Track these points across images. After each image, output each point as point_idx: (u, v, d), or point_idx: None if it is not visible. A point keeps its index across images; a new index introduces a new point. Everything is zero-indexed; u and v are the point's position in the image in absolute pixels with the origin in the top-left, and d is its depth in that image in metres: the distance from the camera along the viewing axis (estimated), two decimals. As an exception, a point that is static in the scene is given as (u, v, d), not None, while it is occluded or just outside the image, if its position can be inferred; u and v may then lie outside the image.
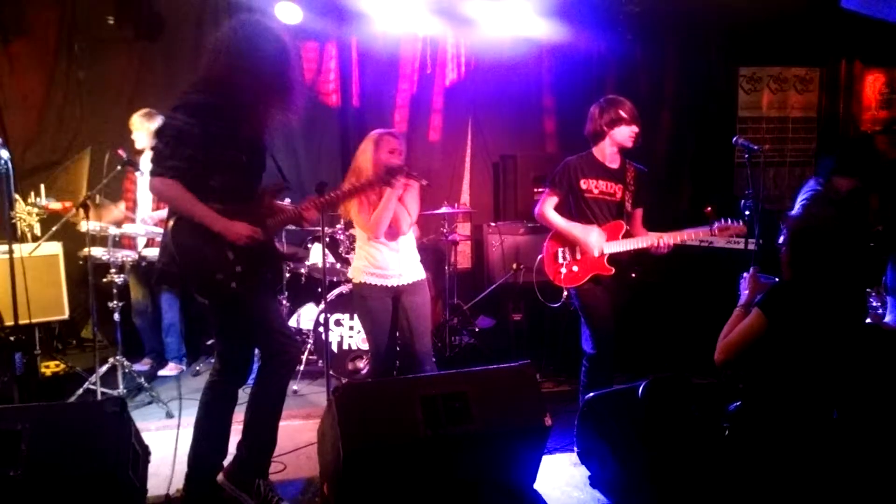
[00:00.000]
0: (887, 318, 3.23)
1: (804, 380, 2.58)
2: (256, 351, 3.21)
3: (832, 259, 2.54)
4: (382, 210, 3.57)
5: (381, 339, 3.77)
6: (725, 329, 2.74)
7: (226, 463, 3.13)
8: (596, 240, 3.73)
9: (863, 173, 4.15)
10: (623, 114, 3.69)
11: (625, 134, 3.71)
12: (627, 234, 3.77)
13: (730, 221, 3.69)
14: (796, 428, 2.62)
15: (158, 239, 4.73)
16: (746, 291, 2.86)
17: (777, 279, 2.91)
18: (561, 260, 3.86)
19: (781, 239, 2.73)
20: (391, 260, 3.71)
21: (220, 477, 3.05)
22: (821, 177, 4.20)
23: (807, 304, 2.53)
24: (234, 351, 3.11)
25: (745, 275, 2.96)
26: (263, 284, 3.06)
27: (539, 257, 4.03)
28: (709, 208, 3.65)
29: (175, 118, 2.75)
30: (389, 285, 3.73)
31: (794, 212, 4.12)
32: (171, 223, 2.82)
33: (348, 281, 4.94)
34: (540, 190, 5.80)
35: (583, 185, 3.79)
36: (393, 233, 3.68)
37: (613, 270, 3.74)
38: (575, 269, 3.79)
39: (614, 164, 3.82)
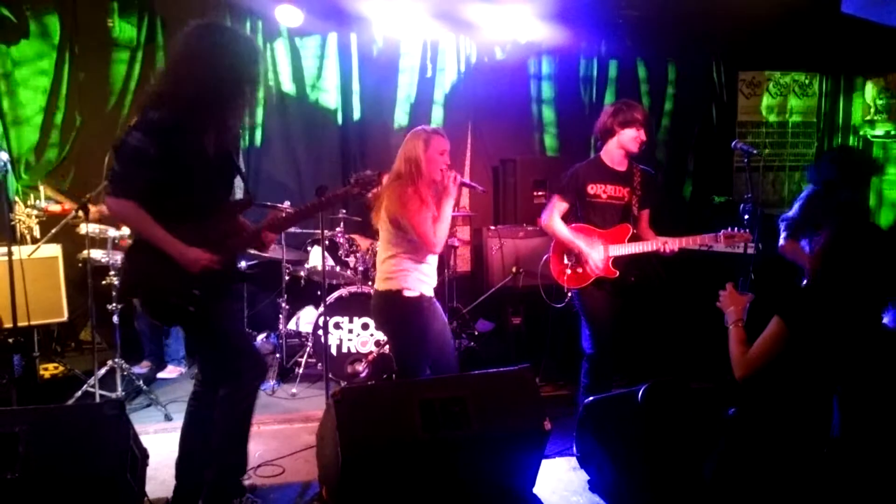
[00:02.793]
0: (885, 320, 3.22)
1: (814, 384, 2.57)
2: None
3: (874, 261, 2.49)
4: (443, 223, 3.32)
5: (427, 357, 3.45)
6: (734, 347, 2.68)
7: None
8: (598, 258, 3.74)
9: (858, 182, 4.18)
10: (637, 116, 3.75)
11: (631, 136, 3.74)
12: (634, 238, 3.79)
13: (736, 230, 3.70)
14: (800, 432, 2.61)
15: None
16: (731, 308, 2.80)
17: (752, 293, 2.89)
18: (566, 261, 3.87)
19: (820, 239, 2.63)
20: (433, 268, 3.52)
21: None
22: (817, 185, 4.20)
23: (829, 309, 2.49)
24: (210, 362, 3.03)
25: (721, 293, 2.88)
26: (226, 300, 2.93)
27: (545, 257, 4.04)
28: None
29: (132, 137, 2.65)
30: (431, 295, 3.52)
31: (791, 213, 4.12)
32: (129, 244, 2.75)
33: (348, 284, 4.97)
34: (539, 193, 5.84)
35: (590, 189, 3.81)
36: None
37: (618, 273, 3.75)
38: (580, 270, 3.81)
39: (622, 167, 3.84)
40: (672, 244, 3.71)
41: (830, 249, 2.55)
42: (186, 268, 2.72)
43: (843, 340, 2.48)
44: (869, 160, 6.48)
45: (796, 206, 4.14)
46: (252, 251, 3.33)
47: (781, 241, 4.10)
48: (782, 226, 4.13)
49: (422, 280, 3.40)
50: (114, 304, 4.33)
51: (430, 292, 3.46)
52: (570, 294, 3.90)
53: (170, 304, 2.76)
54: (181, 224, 2.73)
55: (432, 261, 3.46)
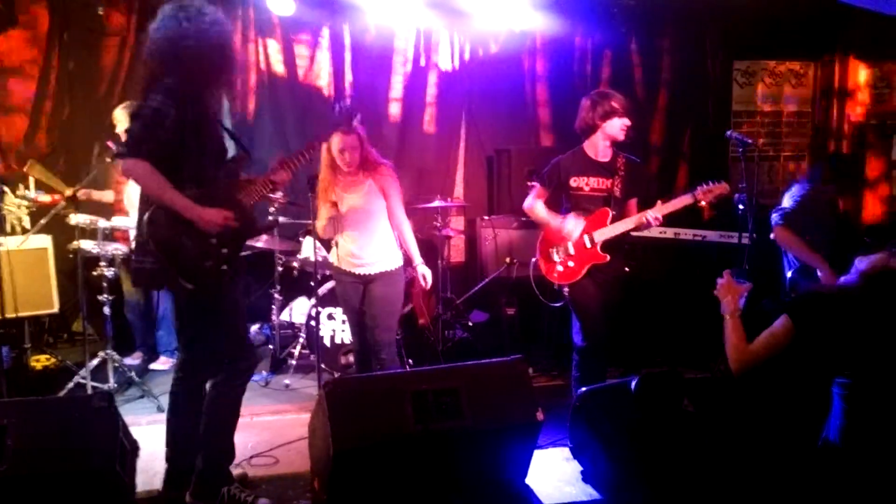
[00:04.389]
0: None
1: (810, 381, 2.56)
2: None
3: None
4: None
5: (353, 322, 4.04)
6: (731, 340, 2.63)
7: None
8: (572, 226, 3.72)
9: (847, 186, 4.23)
10: (616, 105, 3.65)
11: (616, 126, 3.67)
12: (616, 220, 3.74)
13: (710, 183, 3.63)
14: (797, 425, 2.60)
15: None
16: (728, 298, 2.74)
17: (749, 283, 2.84)
18: (556, 258, 3.83)
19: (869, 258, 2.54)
20: (358, 251, 3.88)
21: (187, 498, 3.00)
22: (810, 182, 4.20)
23: (847, 318, 2.45)
24: (208, 345, 3.05)
25: (719, 280, 2.82)
26: (239, 282, 3.06)
27: (533, 260, 4.01)
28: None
29: (152, 100, 2.69)
30: (358, 273, 3.90)
31: (786, 207, 4.11)
32: (145, 219, 2.73)
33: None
34: (533, 184, 5.80)
35: (573, 182, 3.77)
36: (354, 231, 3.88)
37: (609, 257, 3.70)
38: (571, 264, 3.77)
39: (605, 157, 3.78)
40: (651, 213, 3.62)
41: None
42: (205, 229, 2.76)
43: (855, 347, 2.44)
44: (856, 162, 6.54)
45: (791, 201, 4.12)
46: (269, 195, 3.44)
47: (775, 227, 4.08)
48: (775, 216, 4.11)
49: (339, 255, 3.97)
50: (105, 296, 4.30)
51: (346, 267, 3.94)
52: (565, 292, 3.86)
53: (204, 267, 2.79)
54: (192, 189, 2.77)
55: (348, 242, 3.91)
